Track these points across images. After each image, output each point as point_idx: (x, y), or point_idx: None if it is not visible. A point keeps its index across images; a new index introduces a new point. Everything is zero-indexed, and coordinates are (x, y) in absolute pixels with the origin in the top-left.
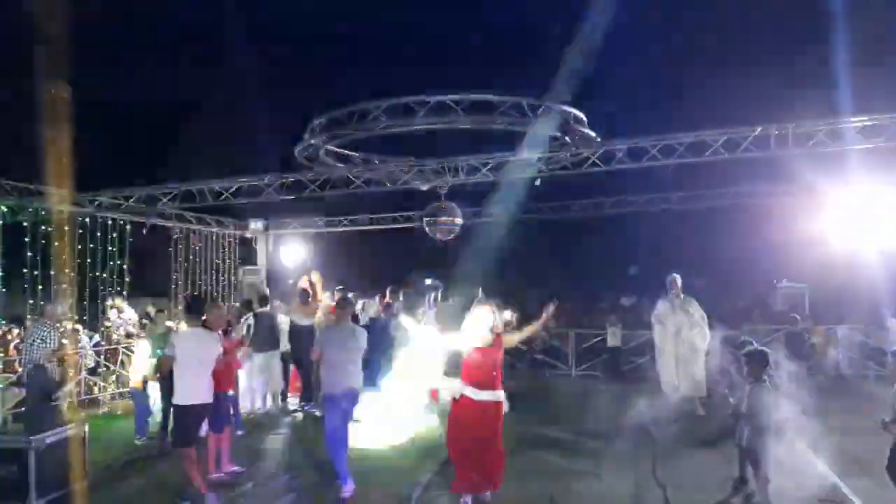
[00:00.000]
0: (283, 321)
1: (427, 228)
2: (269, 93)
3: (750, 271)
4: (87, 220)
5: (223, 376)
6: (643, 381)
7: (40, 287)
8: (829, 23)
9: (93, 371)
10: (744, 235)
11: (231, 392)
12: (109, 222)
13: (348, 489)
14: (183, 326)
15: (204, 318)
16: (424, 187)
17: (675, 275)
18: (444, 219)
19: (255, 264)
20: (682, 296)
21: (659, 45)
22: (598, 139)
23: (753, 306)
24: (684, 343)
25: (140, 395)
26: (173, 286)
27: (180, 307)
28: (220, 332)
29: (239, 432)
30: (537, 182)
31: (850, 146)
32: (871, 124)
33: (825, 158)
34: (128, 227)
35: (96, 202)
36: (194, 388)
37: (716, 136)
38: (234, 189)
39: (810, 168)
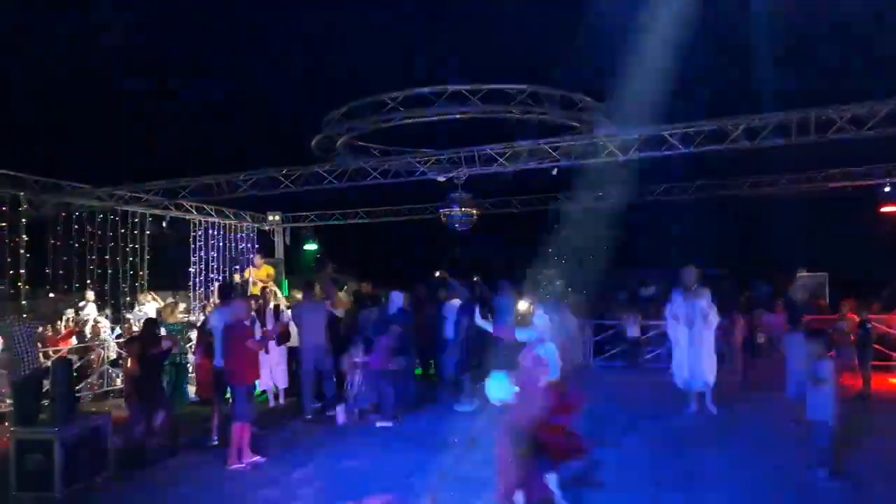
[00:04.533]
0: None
1: (444, 219)
2: (286, 85)
3: (769, 261)
4: (108, 214)
5: (251, 367)
6: (661, 371)
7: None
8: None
9: (115, 363)
10: (763, 225)
11: (257, 383)
12: (129, 216)
13: None
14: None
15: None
16: (441, 178)
17: (688, 267)
18: (460, 209)
19: (273, 256)
20: (696, 287)
21: (678, 33)
22: (616, 128)
23: (775, 296)
24: (696, 335)
25: None
26: (192, 279)
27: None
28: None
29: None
30: (554, 171)
31: (876, 131)
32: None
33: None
34: (148, 219)
35: (116, 196)
36: None
37: (736, 122)
38: (251, 182)
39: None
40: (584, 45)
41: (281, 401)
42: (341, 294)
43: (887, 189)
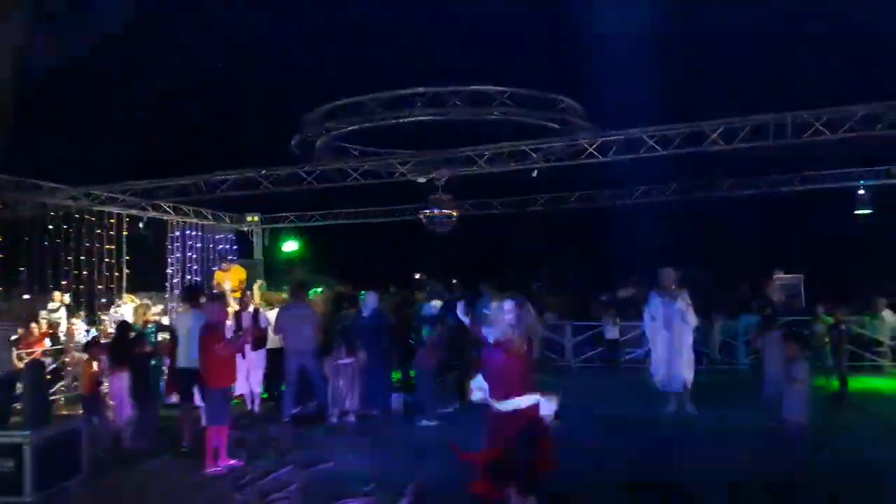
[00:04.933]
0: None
1: (424, 221)
2: (265, 85)
3: (746, 262)
4: (84, 214)
5: (225, 370)
6: (639, 372)
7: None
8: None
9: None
10: (741, 227)
11: (232, 386)
12: (106, 217)
13: None
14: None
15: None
16: (421, 179)
17: (667, 268)
18: (440, 211)
19: (252, 257)
20: (673, 289)
21: (656, 36)
22: (594, 130)
23: (752, 297)
24: (675, 336)
25: None
26: (169, 280)
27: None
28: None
29: None
30: (534, 173)
31: (850, 134)
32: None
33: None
34: (125, 220)
35: (92, 196)
36: None
37: (713, 126)
38: (229, 182)
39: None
40: (564, 48)
41: (257, 404)
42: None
43: (862, 192)
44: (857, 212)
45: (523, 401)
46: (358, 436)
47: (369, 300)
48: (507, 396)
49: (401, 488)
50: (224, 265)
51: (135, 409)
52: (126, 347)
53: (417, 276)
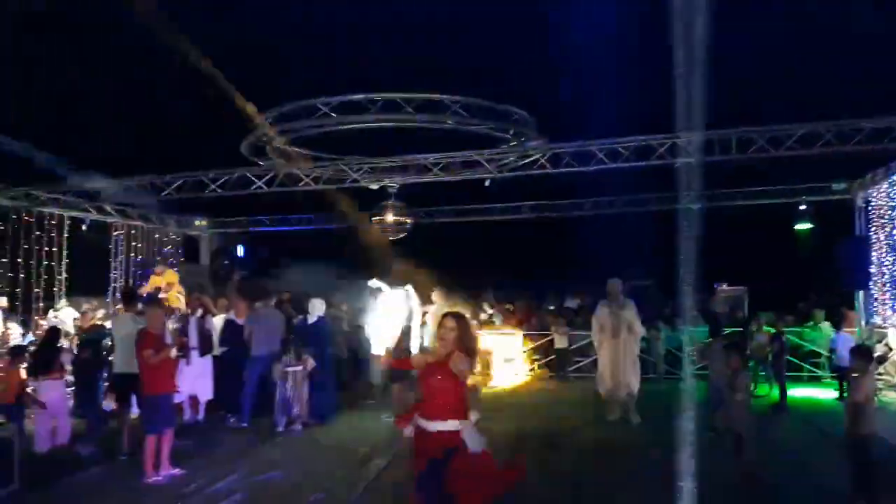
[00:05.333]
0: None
1: (377, 227)
2: (215, 85)
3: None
4: (23, 215)
5: (162, 376)
6: (588, 380)
7: None
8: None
9: (31, 371)
10: (685, 239)
11: (173, 393)
12: (47, 218)
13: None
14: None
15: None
16: (374, 186)
17: (614, 279)
18: (393, 218)
19: (198, 263)
20: (621, 299)
21: (609, 48)
22: (547, 142)
23: (696, 308)
24: (621, 346)
25: None
26: (112, 285)
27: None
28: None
29: None
30: (487, 183)
31: (791, 152)
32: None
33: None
34: (66, 223)
35: (32, 196)
36: None
37: (661, 140)
38: (176, 185)
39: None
40: (518, 59)
41: (201, 413)
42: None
43: (802, 207)
44: (797, 227)
45: (448, 424)
46: (305, 444)
47: (316, 307)
48: (436, 417)
49: (348, 497)
50: (158, 268)
51: (73, 417)
52: (55, 354)
53: (371, 281)
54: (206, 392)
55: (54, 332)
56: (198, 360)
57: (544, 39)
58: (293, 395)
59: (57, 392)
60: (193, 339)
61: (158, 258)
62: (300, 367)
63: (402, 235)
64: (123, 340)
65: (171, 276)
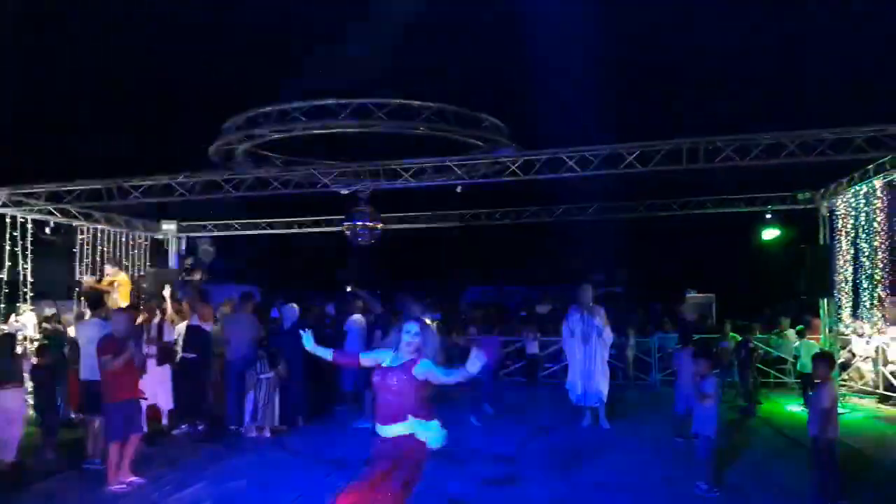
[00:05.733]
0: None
1: (347, 233)
2: (184, 88)
3: (660, 281)
4: None
5: (126, 381)
6: (558, 387)
7: None
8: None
9: None
10: (657, 247)
11: (137, 399)
12: (8, 220)
13: None
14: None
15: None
16: (345, 191)
17: (585, 285)
18: (364, 223)
19: (167, 267)
20: (591, 305)
21: (583, 57)
22: (518, 149)
23: (663, 314)
24: (591, 352)
25: None
26: (77, 289)
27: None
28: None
29: None
30: (458, 189)
31: (757, 161)
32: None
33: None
34: (29, 225)
35: None
36: None
37: (630, 148)
38: (144, 188)
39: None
40: (491, 66)
41: (165, 419)
42: (225, 308)
43: (769, 216)
44: (764, 235)
45: (405, 427)
46: (273, 451)
47: (288, 313)
48: (393, 421)
49: None
50: (109, 269)
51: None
52: (13, 362)
53: (349, 288)
54: (167, 402)
55: (10, 339)
56: (156, 368)
57: (519, 49)
58: (264, 402)
59: (16, 403)
60: (149, 348)
61: (109, 263)
62: (272, 374)
63: (372, 241)
64: (88, 346)
65: (121, 277)
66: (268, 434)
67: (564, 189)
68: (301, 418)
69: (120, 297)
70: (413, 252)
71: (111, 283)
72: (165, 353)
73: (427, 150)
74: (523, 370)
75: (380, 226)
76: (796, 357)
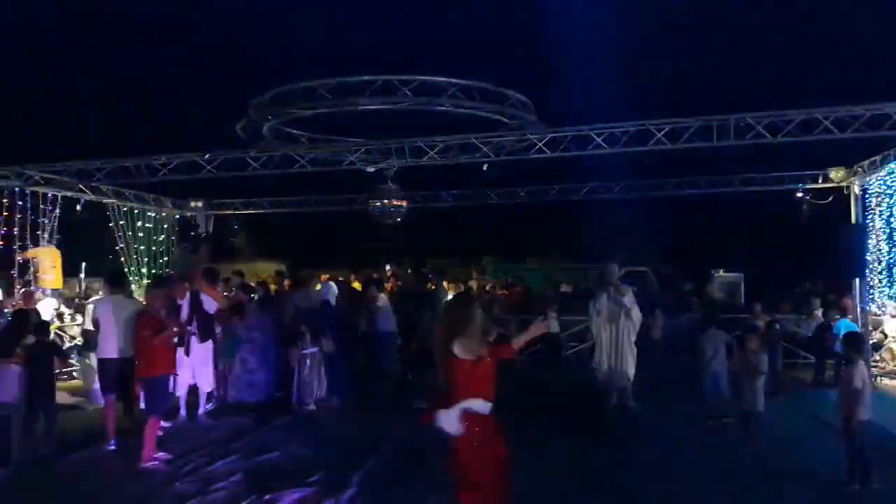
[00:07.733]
0: None
1: (372, 211)
2: (213, 67)
3: (688, 260)
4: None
5: (162, 357)
6: (583, 366)
7: None
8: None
9: None
10: (682, 225)
11: (173, 375)
12: (40, 197)
13: None
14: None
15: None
16: (370, 169)
17: (611, 264)
18: (389, 202)
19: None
20: (619, 285)
21: (610, 34)
22: (546, 126)
23: (692, 294)
24: (618, 332)
25: None
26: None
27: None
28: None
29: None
30: (485, 167)
31: (789, 138)
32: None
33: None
34: (59, 202)
35: (25, 176)
36: None
37: (659, 125)
38: (172, 166)
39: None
40: (518, 42)
41: (203, 404)
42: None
43: (799, 194)
44: (796, 213)
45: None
46: (309, 427)
47: (328, 290)
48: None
49: (347, 479)
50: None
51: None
52: (17, 338)
53: (388, 267)
54: (207, 384)
55: (22, 316)
56: (198, 347)
57: (545, 25)
58: (309, 378)
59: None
60: (192, 326)
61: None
62: (315, 350)
63: (398, 219)
64: (106, 325)
65: (48, 253)
66: (312, 408)
67: (584, 168)
68: (340, 395)
69: (44, 272)
70: (437, 230)
71: (34, 258)
72: (207, 326)
73: (454, 128)
74: (545, 349)
75: (404, 204)
76: (826, 337)
